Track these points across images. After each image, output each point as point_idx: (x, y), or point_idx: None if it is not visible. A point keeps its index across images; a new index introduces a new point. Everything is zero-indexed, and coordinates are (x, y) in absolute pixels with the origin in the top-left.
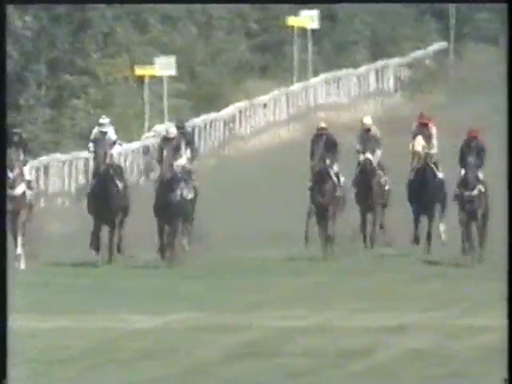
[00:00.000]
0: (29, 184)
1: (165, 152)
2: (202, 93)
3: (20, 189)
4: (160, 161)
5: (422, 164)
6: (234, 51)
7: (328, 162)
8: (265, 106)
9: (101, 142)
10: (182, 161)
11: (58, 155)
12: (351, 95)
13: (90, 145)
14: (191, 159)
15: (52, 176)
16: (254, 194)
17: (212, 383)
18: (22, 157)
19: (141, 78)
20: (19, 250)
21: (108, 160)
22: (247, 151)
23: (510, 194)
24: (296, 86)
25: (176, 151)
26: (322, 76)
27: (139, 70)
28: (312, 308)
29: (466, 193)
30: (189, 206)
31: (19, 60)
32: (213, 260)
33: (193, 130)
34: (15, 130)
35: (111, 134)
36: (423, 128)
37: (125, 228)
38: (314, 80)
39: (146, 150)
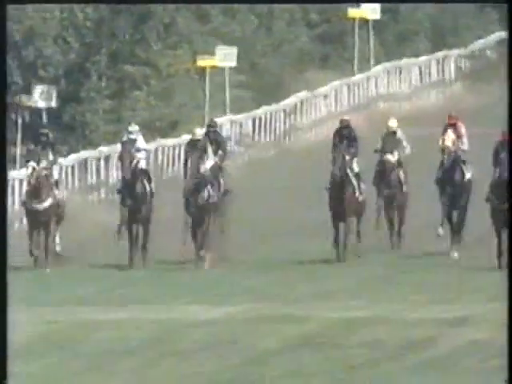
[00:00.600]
0: (56, 184)
1: (189, 160)
2: (262, 84)
3: (47, 202)
4: (186, 164)
5: (450, 162)
6: (295, 42)
7: (348, 158)
8: (325, 96)
9: (128, 149)
10: (209, 163)
11: (119, 146)
12: (412, 85)
13: (118, 151)
14: (222, 159)
15: (112, 167)
16: (313, 185)
17: (272, 374)
18: (50, 157)
19: (202, 69)
20: (58, 248)
21: (133, 166)
22: (307, 142)
23: (510, 194)
24: (357, 77)
25: (202, 153)
26: (383, 66)
27: (200, 61)
28: (371, 299)
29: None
30: (217, 207)
31: (80, 51)
32: (270, 252)
33: (253, 120)
34: (42, 131)
35: (140, 142)
36: (452, 128)
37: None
38: (375, 70)
39: None
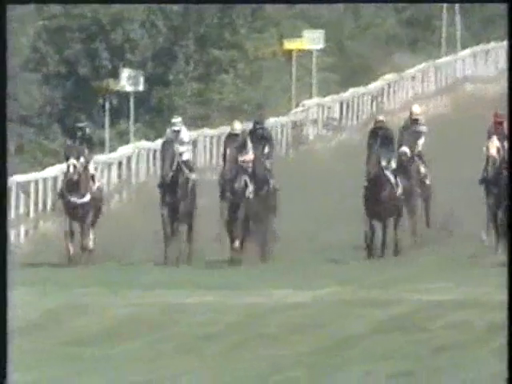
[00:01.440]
0: (93, 178)
1: (228, 150)
2: (349, 66)
3: (87, 197)
4: (224, 156)
5: (495, 170)
6: (383, 25)
7: (384, 162)
8: (413, 78)
9: (171, 142)
10: (248, 157)
11: (206, 130)
12: (499, 68)
13: (160, 148)
14: (268, 156)
15: (200, 151)
16: None
17: (359, 357)
18: (86, 152)
19: (289, 53)
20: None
21: (176, 161)
22: (395, 125)
23: (510, 193)
24: (444, 59)
25: (241, 148)
26: (470, 49)
27: (287, 44)
28: (456, 282)
29: None
30: (257, 204)
31: (168, 35)
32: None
33: (340, 104)
34: (79, 125)
35: (184, 134)
36: (499, 127)
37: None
38: (462, 53)
39: (294, 125)
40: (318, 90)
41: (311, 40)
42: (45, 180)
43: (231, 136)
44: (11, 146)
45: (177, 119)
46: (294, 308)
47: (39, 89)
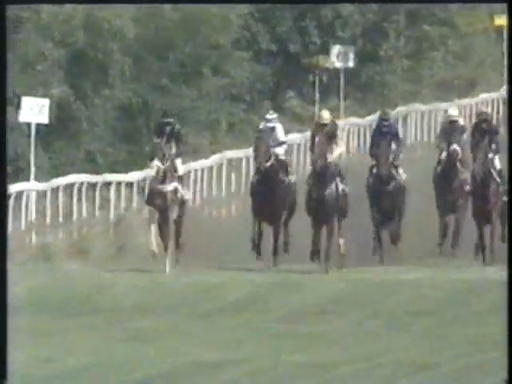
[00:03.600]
0: (181, 180)
1: (316, 139)
2: None
3: (171, 186)
4: (312, 150)
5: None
6: None
7: (490, 155)
8: None
9: (264, 138)
10: (337, 151)
11: (417, 105)
12: None
13: (255, 141)
14: (396, 153)
15: (410, 126)
16: None
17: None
18: (174, 149)
19: (499, 28)
20: (169, 253)
21: (270, 158)
22: None
23: (510, 193)
24: None
25: (330, 140)
26: None
27: (498, 20)
28: None
29: None
30: (345, 202)
31: (379, 11)
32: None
33: None
34: (167, 120)
35: (279, 131)
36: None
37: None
38: None
39: (505, 101)
40: None
41: None
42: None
43: (319, 126)
44: (223, 124)
45: (272, 115)
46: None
47: (250, 66)
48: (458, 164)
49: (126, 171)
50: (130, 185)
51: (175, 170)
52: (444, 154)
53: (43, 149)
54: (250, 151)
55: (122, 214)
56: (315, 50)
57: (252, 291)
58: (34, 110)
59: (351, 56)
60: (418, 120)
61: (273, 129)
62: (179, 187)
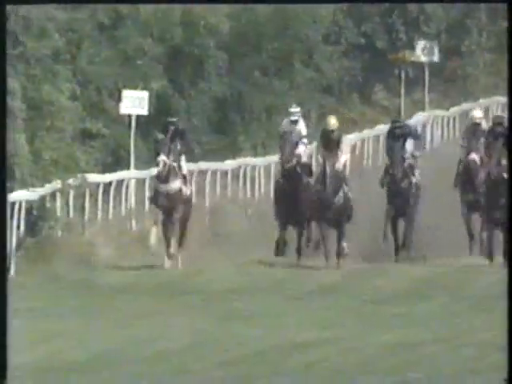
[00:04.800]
0: (185, 178)
1: (321, 149)
2: None
3: (175, 184)
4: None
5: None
6: None
7: (504, 161)
8: None
9: (289, 135)
10: (343, 158)
11: (498, 98)
12: None
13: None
14: (411, 153)
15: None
16: None
17: None
18: (178, 147)
19: None
20: (172, 250)
21: (294, 158)
22: None
23: (510, 193)
24: None
25: (337, 146)
26: None
27: None
28: None
29: None
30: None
31: (462, 8)
32: None
33: None
34: (171, 120)
35: (301, 126)
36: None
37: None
38: None
39: None
40: None
41: None
42: None
43: (326, 132)
44: (313, 115)
45: (295, 109)
46: None
47: (339, 60)
48: (473, 172)
49: (221, 160)
50: (224, 173)
51: (180, 168)
52: (463, 161)
53: (142, 139)
54: None
55: (217, 202)
56: (401, 45)
57: (333, 279)
58: (134, 103)
59: (435, 51)
60: (499, 111)
61: (296, 122)
62: (183, 186)
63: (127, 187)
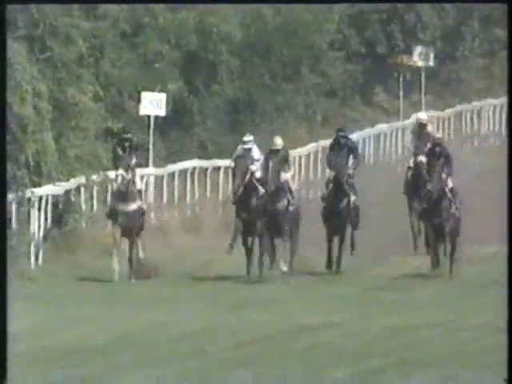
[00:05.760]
0: (140, 194)
1: (270, 164)
2: None
3: (135, 204)
4: (266, 174)
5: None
6: None
7: (444, 177)
8: None
9: (242, 160)
10: (289, 173)
11: (490, 100)
12: None
13: (232, 163)
14: (353, 167)
15: (484, 119)
16: None
17: None
18: (134, 161)
19: None
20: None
21: (248, 177)
22: None
23: (510, 193)
24: None
25: (282, 163)
26: None
27: None
28: None
29: None
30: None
31: (455, 15)
32: None
33: None
34: (125, 136)
35: (255, 152)
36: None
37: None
38: None
39: None
40: None
41: None
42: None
43: (272, 152)
44: (318, 117)
45: (249, 137)
46: None
47: (343, 65)
48: (424, 173)
49: None
50: None
51: (134, 183)
52: (411, 164)
53: (161, 138)
54: None
55: (230, 195)
56: (399, 50)
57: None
58: (152, 104)
59: (431, 56)
60: (491, 113)
61: (249, 150)
62: (140, 202)
63: (146, 184)
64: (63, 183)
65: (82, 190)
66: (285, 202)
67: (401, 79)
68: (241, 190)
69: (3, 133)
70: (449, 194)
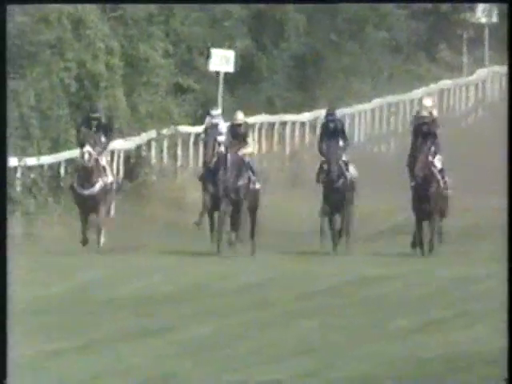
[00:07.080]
0: (105, 170)
1: (231, 138)
2: None
3: (98, 185)
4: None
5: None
6: None
7: (430, 157)
8: None
9: (211, 134)
10: (250, 149)
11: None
12: None
13: (202, 134)
14: (343, 149)
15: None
16: None
17: None
18: (103, 139)
19: None
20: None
21: (217, 149)
22: None
23: (510, 192)
24: None
25: (242, 139)
26: None
27: None
28: None
29: None
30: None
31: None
32: None
33: None
34: (93, 115)
35: (222, 126)
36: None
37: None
38: None
39: None
40: None
41: None
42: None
43: (234, 126)
44: (384, 73)
45: (217, 111)
46: None
47: (407, 23)
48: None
49: (300, 112)
50: (302, 124)
51: (100, 163)
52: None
53: (229, 94)
54: (407, 96)
55: (296, 150)
56: (463, 8)
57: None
58: (221, 61)
59: (495, 12)
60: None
61: (216, 125)
62: (105, 179)
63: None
64: (134, 138)
65: (153, 144)
66: (245, 179)
67: (464, 36)
68: (211, 164)
69: (3, 129)
70: (438, 176)
